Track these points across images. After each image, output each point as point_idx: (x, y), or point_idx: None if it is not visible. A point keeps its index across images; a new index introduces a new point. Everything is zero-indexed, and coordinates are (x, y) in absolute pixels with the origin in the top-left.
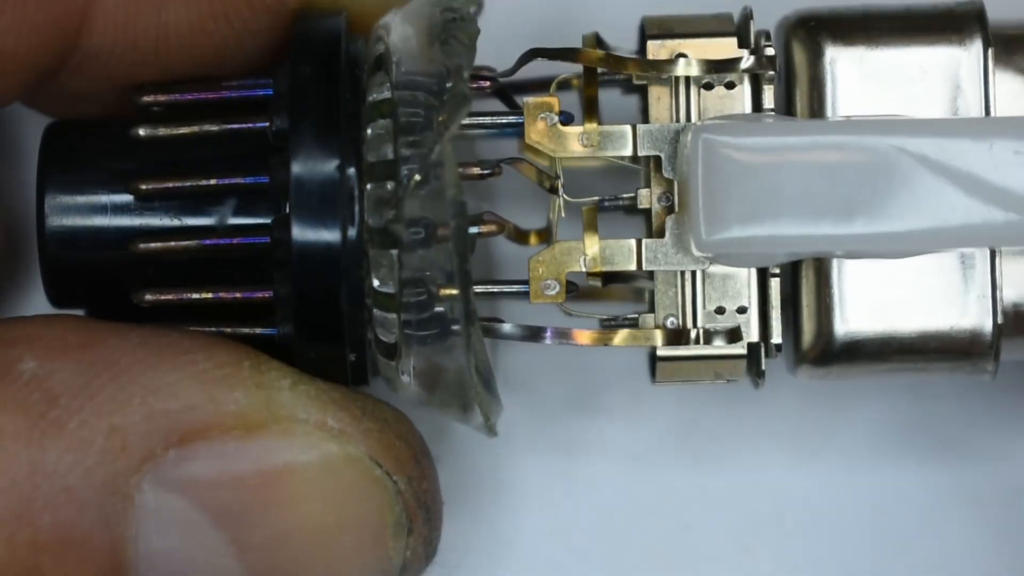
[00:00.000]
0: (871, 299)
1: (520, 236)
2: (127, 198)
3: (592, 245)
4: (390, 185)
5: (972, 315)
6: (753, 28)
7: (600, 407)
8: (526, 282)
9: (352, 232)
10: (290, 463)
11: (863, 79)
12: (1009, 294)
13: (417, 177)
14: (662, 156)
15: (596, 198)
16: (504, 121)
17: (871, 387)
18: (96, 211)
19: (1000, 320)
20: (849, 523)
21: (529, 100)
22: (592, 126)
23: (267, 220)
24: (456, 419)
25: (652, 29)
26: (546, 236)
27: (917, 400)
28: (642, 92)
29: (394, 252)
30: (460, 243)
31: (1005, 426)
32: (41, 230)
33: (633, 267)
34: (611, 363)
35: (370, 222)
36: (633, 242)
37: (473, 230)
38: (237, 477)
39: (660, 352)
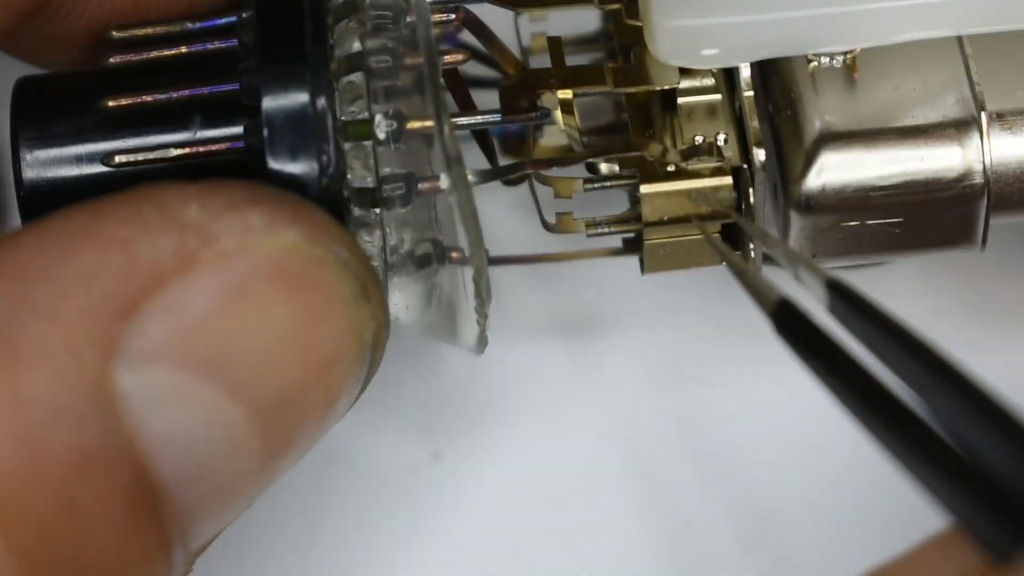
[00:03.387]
0: (849, 106)
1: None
2: (103, 141)
3: (560, 70)
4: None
5: (953, 108)
6: None
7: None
8: (499, 111)
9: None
10: (238, 281)
11: None
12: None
13: None
14: (622, 8)
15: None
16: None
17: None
18: (72, 141)
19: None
20: None
21: None
22: None
23: (240, 128)
24: (447, 338)
25: None
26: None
27: None
28: None
29: (358, 76)
30: (429, 52)
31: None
32: (17, 167)
33: (604, 88)
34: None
35: (337, 51)
36: (602, 66)
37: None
38: (196, 321)
39: (644, 189)
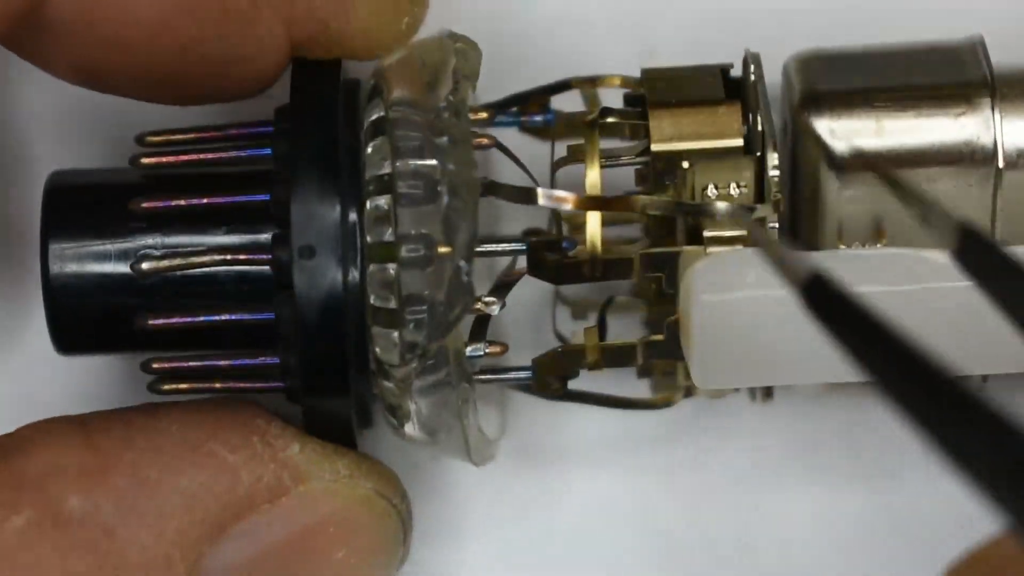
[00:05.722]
0: None
1: None
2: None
3: (593, 353)
4: (384, 200)
5: None
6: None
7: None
8: (529, 368)
9: (354, 275)
10: (316, 520)
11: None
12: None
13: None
14: (663, 277)
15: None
16: (508, 248)
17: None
18: (99, 259)
19: None
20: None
21: (533, 238)
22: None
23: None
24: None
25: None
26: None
27: None
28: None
29: (392, 266)
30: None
31: None
32: (47, 285)
33: (635, 365)
34: None
35: (368, 238)
36: (635, 344)
37: (477, 352)
38: (271, 549)
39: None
